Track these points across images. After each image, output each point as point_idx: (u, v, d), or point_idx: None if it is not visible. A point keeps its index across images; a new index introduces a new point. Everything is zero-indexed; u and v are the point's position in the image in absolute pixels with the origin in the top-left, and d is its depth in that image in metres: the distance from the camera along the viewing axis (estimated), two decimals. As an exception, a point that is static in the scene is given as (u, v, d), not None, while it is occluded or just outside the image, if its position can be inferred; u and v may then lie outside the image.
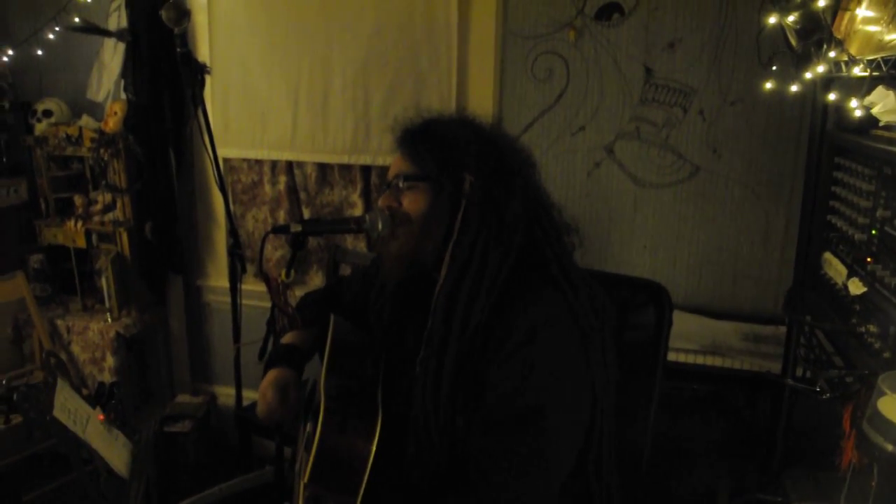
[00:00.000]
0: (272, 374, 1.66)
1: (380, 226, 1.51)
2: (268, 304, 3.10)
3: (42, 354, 3.12)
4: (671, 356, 2.12)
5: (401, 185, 1.48)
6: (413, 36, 2.80)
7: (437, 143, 1.46)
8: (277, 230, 1.71)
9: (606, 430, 1.39)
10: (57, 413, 1.51)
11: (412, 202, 1.46)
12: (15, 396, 1.87)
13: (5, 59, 3.26)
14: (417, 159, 1.47)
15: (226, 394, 3.46)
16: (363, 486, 1.35)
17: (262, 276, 1.68)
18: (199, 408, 3.23)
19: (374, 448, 1.37)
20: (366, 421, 1.42)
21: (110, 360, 3.17)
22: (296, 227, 1.63)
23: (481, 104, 2.75)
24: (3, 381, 1.98)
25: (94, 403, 1.73)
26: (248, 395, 2.91)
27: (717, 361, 2.35)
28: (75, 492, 3.08)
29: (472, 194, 1.39)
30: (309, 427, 1.60)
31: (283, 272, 1.75)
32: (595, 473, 1.39)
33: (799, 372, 2.10)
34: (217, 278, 3.38)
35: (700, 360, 2.35)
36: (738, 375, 2.30)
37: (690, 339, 2.40)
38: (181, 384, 3.52)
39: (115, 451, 1.66)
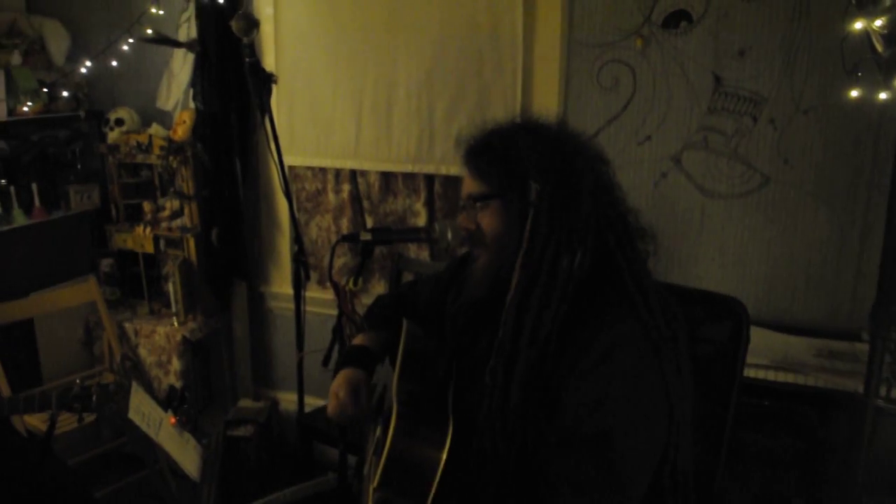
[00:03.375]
0: (344, 374, 1.67)
1: (449, 236, 1.51)
2: (330, 312, 3.15)
3: (116, 357, 3.20)
4: (740, 371, 2.07)
5: (474, 205, 1.48)
6: (477, 45, 2.79)
7: (499, 156, 1.44)
8: (347, 238, 1.72)
9: (683, 445, 1.35)
10: (132, 415, 1.54)
11: (487, 222, 1.46)
12: (94, 398, 1.92)
13: (83, 70, 3.37)
14: (483, 176, 1.46)
15: (287, 399, 3.50)
16: (432, 493, 1.35)
17: (332, 283, 1.69)
18: (260, 413, 3.27)
19: (444, 456, 1.37)
20: (437, 428, 1.42)
21: (176, 364, 3.23)
22: (365, 236, 1.64)
23: (546, 114, 2.71)
24: (77, 381, 2.03)
25: (166, 407, 1.77)
26: (310, 402, 2.93)
27: (788, 377, 2.28)
28: (143, 491, 3.17)
29: (540, 201, 1.37)
30: (378, 432, 1.60)
31: (351, 280, 1.76)
32: (671, 490, 1.36)
33: (882, 391, 2.02)
34: (280, 285, 3.43)
35: (771, 375, 2.29)
36: (811, 392, 2.23)
37: (760, 353, 2.33)
38: (243, 389, 3.57)
39: (186, 454, 1.69)
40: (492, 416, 1.38)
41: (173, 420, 1.72)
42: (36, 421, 2.85)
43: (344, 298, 1.74)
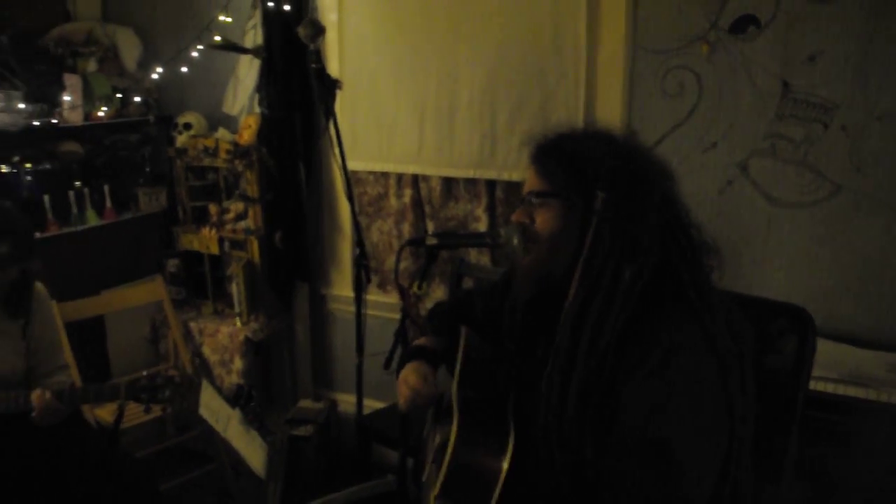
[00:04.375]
0: (411, 365, 1.68)
1: (514, 240, 1.51)
2: (389, 315, 3.19)
3: (181, 355, 3.28)
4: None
5: (533, 201, 1.48)
6: (540, 51, 2.79)
7: (568, 158, 1.44)
8: (413, 242, 1.73)
9: (744, 461, 1.33)
10: (202, 411, 1.59)
11: (544, 220, 1.46)
12: (167, 392, 1.99)
13: (154, 76, 3.47)
14: (549, 175, 1.46)
15: (345, 401, 3.54)
16: (493, 502, 1.35)
17: (398, 287, 1.71)
18: (320, 413, 3.32)
19: (506, 465, 1.36)
20: (498, 437, 1.42)
21: (238, 363, 3.30)
22: (431, 240, 1.65)
23: (609, 120, 2.70)
24: (145, 373, 2.09)
25: (233, 405, 1.81)
26: (369, 404, 2.96)
27: (859, 392, 2.21)
28: (206, 486, 3.24)
29: (604, 211, 1.36)
30: (438, 439, 1.61)
31: (416, 284, 1.77)
32: (731, 504, 1.33)
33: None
34: (341, 287, 3.47)
35: (840, 389, 2.23)
36: (886, 409, 2.16)
37: (828, 367, 2.27)
38: (303, 389, 3.63)
39: (252, 451, 1.73)
40: (548, 425, 1.38)
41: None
42: (105, 413, 2.94)
43: (409, 302, 1.75)
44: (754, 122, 2.61)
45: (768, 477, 1.57)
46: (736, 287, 1.54)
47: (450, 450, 1.40)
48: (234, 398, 1.82)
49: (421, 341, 1.80)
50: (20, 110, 3.06)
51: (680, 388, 1.26)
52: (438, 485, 1.39)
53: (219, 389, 1.71)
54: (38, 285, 2.41)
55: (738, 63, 2.59)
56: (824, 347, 2.41)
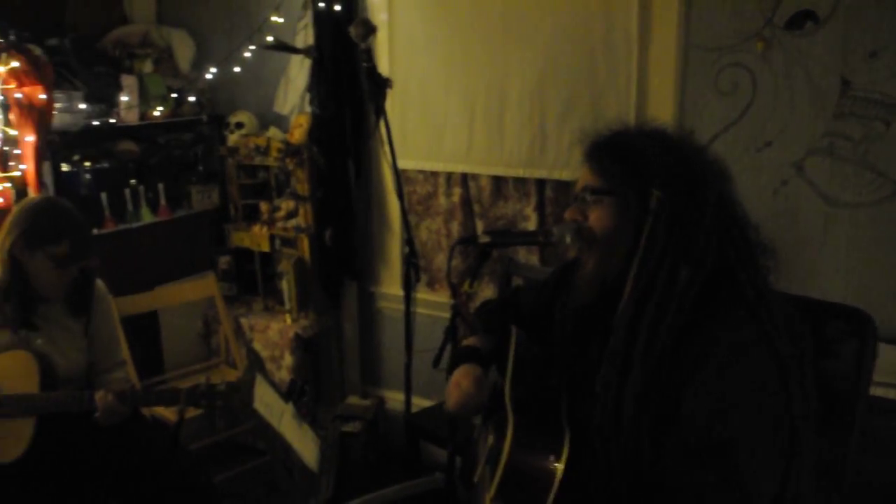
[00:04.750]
0: (464, 368, 1.68)
1: (567, 239, 1.50)
2: (438, 314, 3.19)
3: (233, 350, 3.34)
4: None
5: (587, 198, 1.47)
6: (591, 49, 2.77)
7: (624, 156, 1.43)
8: (465, 241, 1.73)
9: (806, 465, 1.30)
10: (256, 405, 1.61)
11: (598, 218, 1.44)
12: (226, 387, 2.04)
13: (208, 76, 3.53)
14: (603, 173, 1.45)
15: (393, 398, 3.57)
16: (550, 504, 1.34)
17: (450, 285, 1.71)
18: (368, 410, 3.34)
19: (562, 468, 1.36)
20: (553, 439, 1.41)
21: (288, 359, 3.34)
22: (484, 238, 1.65)
23: (661, 119, 2.65)
24: (204, 378, 2.14)
25: (286, 399, 1.84)
26: (417, 402, 2.97)
27: (923, 398, 2.16)
28: (256, 479, 3.29)
29: (659, 210, 1.34)
30: (491, 440, 1.61)
31: (467, 283, 1.77)
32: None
33: None
34: (390, 285, 3.49)
35: (902, 395, 2.18)
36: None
37: (890, 371, 2.22)
38: (351, 386, 3.66)
39: (305, 445, 1.75)
40: (604, 427, 1.37)
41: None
42: (159, 407, 3.00)
43: (461, 300, 1.75)
44: (811, 120, 2.55)
45: (827, 486, 1.53)
46: (791, 290, 1.51)
47: (505, 452, 1.40)
48: (287, 393, 1.84)
49: (471, 341, 1.80)
50: (80, 110, 3.14)
51: (741, 391, 1.25)
52: (494, 487, 1.39)
53: (273, 384, 1.73)
54: (99, 282, 2.46)
55: (795, 60, 2.53)
56: (885, 351, 2.36)
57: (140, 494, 2.34)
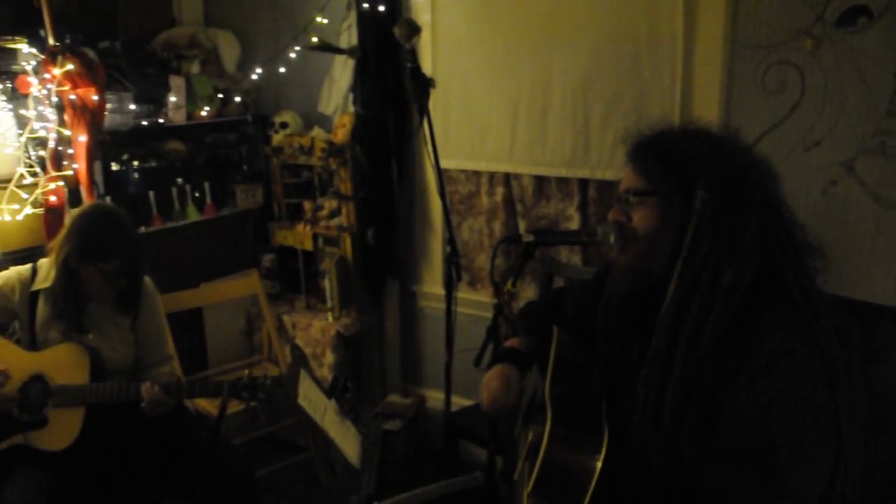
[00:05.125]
0: (497, 368, 1.71)
1: (611, 239, 1.50)
2: (479, 313, 3.19)
3: (275, 347, 3.38)
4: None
5: (631, 199, 1.47)
6: (635, 49, 2.75)
7: (668, 156, 1.43)
8: (509, 240, 1.75)
9: (853, 471, 1.28)
10: (301, 401, 1.64)
11: (641, 218, 1.44)
12: (268, 381, 2.07)
13: (254, 76, 3.58)
14: (647, 173, 1.45)
15: (433, 397, 3.58)
16: (586, 502, 1.35)
17: (493, 284, 1.72)
18: (408, 408, 3.36)
19: (599, 465, 1.36)
20: (592, 436, 1.42)
21: (329, 357, 3.37)
22: (527, 238, 1.66)
23: (706, 118, 2.62)
24: (246, 371, 2.18)
25: (329, 395, 1.86)
26: (457, 401, 2.98)
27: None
28: (297, 475, 3.33)
29: (704, 210, 1.34)
30: (531, 436, 1.62)
31: (510, 282, 1.78)
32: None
33: None
34: (431, 285, 3.51)
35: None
36: None
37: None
38: (392, 384, 3.68)
39: (348, 441, 1.77)
40: (645, 426, 1.37)
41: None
42: (203, 402, 3.05)
43: (504, 299, 1.77)
44: (862, 119, 2.51)
45: (876, 493, 1.51)
46: (840, 293, 1.48)
47: (543, 447, 1.41)
48: (330, 389, 1.87)
49: (512, 342, 1.81)
50: (130, 111, 3.21)
51: (786, 395, 1.23)
52: (532, 482, 1.40)
53: (316, 380, 1.75)
54: (147, 280, 2.52)
55: (846, 57, 2.48)
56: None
57: (183, 485, 2.39)
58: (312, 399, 1.73)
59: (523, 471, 1.57)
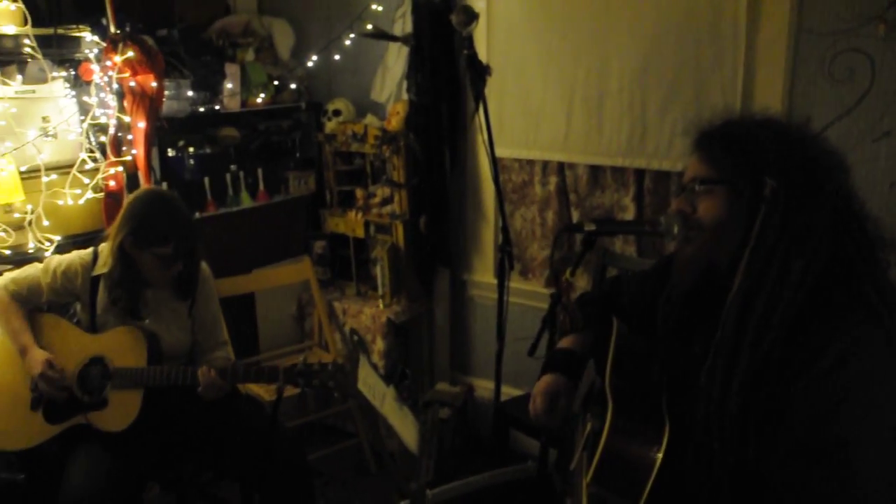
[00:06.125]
0: (546, 381, 1.71)
1: (675, 229, 1.48)
2: (530, 303, 3.17)
3: (325, 333, 3.41)
4: None
5: (696, 188, 1.45)
6: (696, 36, 2.69)
7: (736, 145, 1.40)
8: (572, 228, 1.73)
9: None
10: (360, 386, 1.64)
11: (707, 208, 1.42)
12: (329, 367, 2.09)
13: (309, 64, 3.60)
14: (714, 162, 1.42)
15: (482, 386, 3.58)
16: (646, 493, 1.33)
17: (553, 273, 1.70)
18: (457, 397, 3.37)
19: (660, 457, 1.35)
20: (652, 428, 1.41)
21: (380, 344, 3.38)
22: (589, 226, 1.64)
23: (769, 107, 2.57)
24: (302, 358, 2.20)
25: (388, 382, 1.87)
26: (506, 391, 2.97)
27: None
28: (345, 461, 3.36)
29: (774, 200, 1.31)
30: (588, 426, 1.60)
31: (569, 271, 1.77)
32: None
33: None
34: (482, 273, 3.50)
35: None
36: None
37: None
38: (440, 373, 3.68)
39: (406, 427, 1.77)
40: (708, 419, 1.36)
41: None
42: (255, 386, 3.09)
43: (563, 288, 1.75)
44: (936, 109, 2.43)
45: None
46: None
47: (604, 437, 1.40)
48: (389, 376, 1.88)
49: (566, 343, 1.80)
50: (188, 98, 3.25)
51: (858, 390, 1.21)
52: (591, 471, 1.39)
53: (375, 367, 1.76)
54: (203, 265, 2.55)
55: (922, 43, 2.40)
56: None
57: (238, 468, 2.43)
58: (372, 385, 1.74)
59: (581, 460, 1.56)
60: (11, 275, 2.41)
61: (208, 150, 3.47)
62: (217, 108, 3.43)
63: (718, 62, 2.67)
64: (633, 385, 1.53)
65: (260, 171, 3.61)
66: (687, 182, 1.48)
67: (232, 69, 3.49)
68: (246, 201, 3.56)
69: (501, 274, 2.70)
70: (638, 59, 2.83)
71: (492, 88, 3.11)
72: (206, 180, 3.40)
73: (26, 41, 2.69)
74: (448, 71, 3.27)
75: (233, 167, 3.53)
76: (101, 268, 2.39)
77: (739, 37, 2.62)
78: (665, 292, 1.62)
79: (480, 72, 2.61)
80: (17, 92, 2.71)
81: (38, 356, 2.28)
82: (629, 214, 2.94)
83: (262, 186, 3.62)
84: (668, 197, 2.86)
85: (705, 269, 1.45)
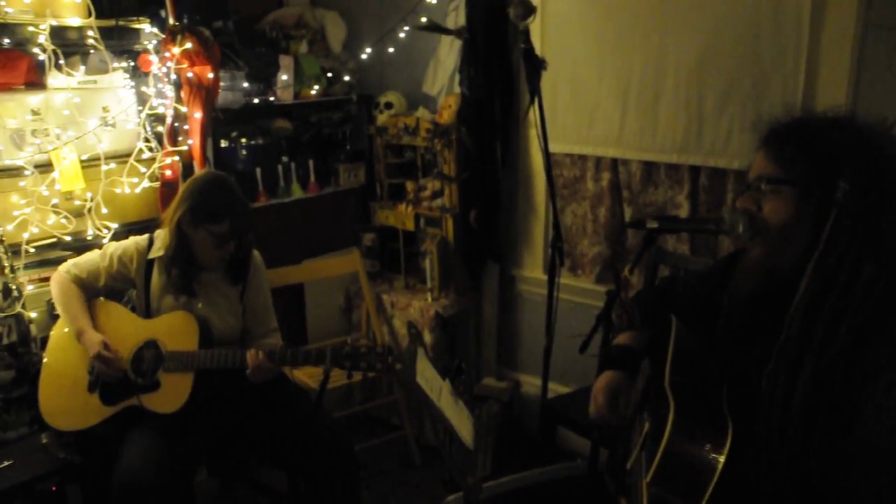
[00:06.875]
0: (606, 378, 1.69)
1: (740, 228, 1.45)
2: (579, 300, 3.15)
3: (373, 325, 3.42)
4: None
5: (762, 187, 1.41)
6: (756, 30, 2.63)
7: (808, 144, 1.37)
8: (634, 225, 1.71)
9: None
10: (418, 379, 1.64)
11: (774, 208, 1.39)
12: (378, 349, 2.14)
13: (363, 56, 3.61)
14: (784, 161, 1.39)
15: (528, 382, 3.56)
16: (707, 496, 1.31)
17: (614, 269, 1.69)
18: (503, 392, 3.36)
19: (723, 460, 1.33)
20: (715, 430, 1.39)
21: (427, 337, 3.38)
22: (652, 223, 1.62)
23: (832, 104, 2.50)
24: (349, 340, 2.22)
25: (444, 376, 1.87)
26: (553, 388, 2.96)
27: None
28: (390, 452, 3.37)
29: (846, 203, 1.28)
30: (647, 425, 1.59)
31: (626, 268, 1.75)
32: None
33: None
34: (532, 269, 3.48)
35: None
36: None
37: None
38: (487, 368, 3.67)
39: (462, 422, 1.77)
40: (770, 423, 1.33)
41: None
42: (303, 376, 3.12)
43: (621, 286, 1.73)
44: None
45: None
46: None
47: (665, 437, 1.39)
48: (445, 369, 1.88)
49: (622, 340, 1.78)
50: (243, 89, 3.28)
51: None
52: (652, 471, 1.38)
53: (432, 360, 1.76)
54: (256, 253, 2.60)
55: None
56: None
57: (285, 455, 2.45)
58: (429, 378, 1.74)
59: (640, 459, 1.54)
60: (72, 260, 2.49)
61: (260, 141, 3.51)
62: (271, 99, 3.46)
63: (779, 57, 2.61)
64: (692, 385, 1.52)
65: (311, 163, 3.64)
66: (752, 180, 1.45)
67: (286, 61, 3.51)
68: (297, 192, 3.59)
69: (552, 270, 2.68)
70: (695, 54, 2.78)
71: (545, 83, 3.07)
72: (258, 171, 3.43)
73: (90, 33, 2.75)
74: (501, 65, 3.25)
75: (284, 158, 3.56)
76: (157, 251, 2.46)
77: (802, 31, 2.55)
78: (727, 293, 1.59)
79: (536, 66, 2.59)
80: (79, 82, 2.77)
81: (95, 338, 2.34)
82: (683, 212, 2.90)
83: (312, 178, 3.65)
84: (723, 195, 2.81)
85: (771, 273, 1.43)
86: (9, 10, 2.57)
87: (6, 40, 2.60)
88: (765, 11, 2.60)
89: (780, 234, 1.38)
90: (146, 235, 2.53)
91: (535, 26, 3.17)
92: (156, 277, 2.46)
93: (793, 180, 1.37)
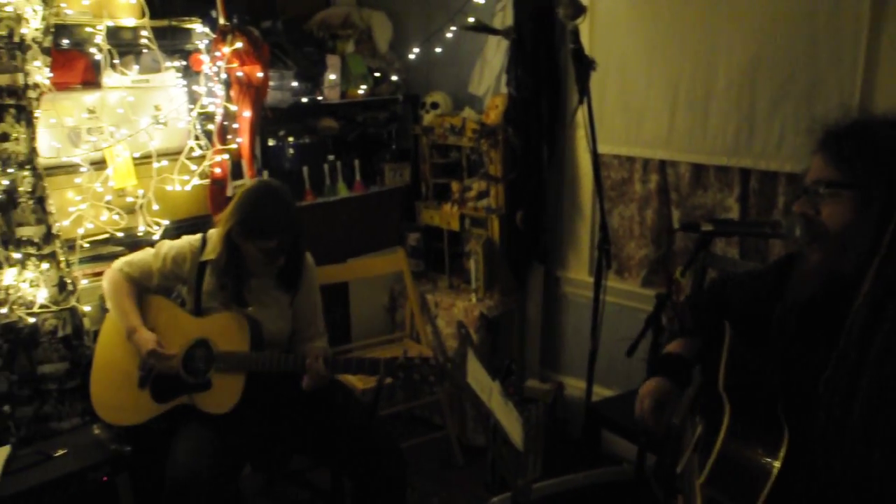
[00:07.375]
0: (653, 384, 1.68)
1: (797, 232, 1.43)
2: (625, 302, 3.11)
3: (417, 325, 3.43)
4: None
5: (821, 191, 1.38)
6: (811, 30, 2.58)
7: (869, 147, 1.34)
8: (688, 228, 1.69)
9: None
10: (469, 380, 1.65)
11: (833, 212, 1.36)
12: (431, 362, 2.15)
13: (411, 56, 3.62)
14: (843, 165, 1.36)
15: (572, 385, 3.54)
16: (762, 501, 1.30)
17: (666, 272, 1.67)
18: (547, 394, 3.35)
19: (778, 465, 1.31)
20: (770, 435, 1.37)
21: (472, 337, 3.37)
22: (706, 226, 1.60)
23: (892, 107, 2.44)
24: (403, 351, 2.23)
25: (494, 377, 1.88)
26: (597, 391, 2.93)
27: None
28: (431, 452, 3.38)
29: None
30: (699, 429, 1.57)
31: (679, 271, 1.73)
32: None
33: None
34: (577, 271, 3.46)
35: None
36: None
37: None
38: (531, 370, 3.66)
39: (511, 423, 1.78)
40: (828, 432, 1.31)
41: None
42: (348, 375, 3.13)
43: (674, 289, 1.72)
44: None
45: None
46: None
47: (720, 440, 1.38)
48: (496, 370, 1.89)
49: (673, 347, 1.76)
50: (291, 88, 3.32)
51: None
52: (706, 473, 1.37)
53: (482, 361, 1.77)
54: (308, 256, 2.60)
55: None
56: None
57: (335, 455, 2.46)
58: (480, 379, 1.75)
59: (692, 462, 1.53)
60: (126, 258, 2.51)
61: (307, 140, 3.54)
62: (318, 98, 3.49)
63: (836, 59, 2.55)
64: (747, 390, 1.50)
65: (357, 162, 3.66)
66: (809, 184, 1.43)
67: (333, 60, 3.54)
68: (342, 191, 3.62)
69: (598, 272, 2.66)
70: (747, 55, 2.73)
71: (593, 84, 3.03)
72: (305, 170, 3.46)
73: (143, 33, 2.80)
74: (548, 65, 3.24)
75: (330, 157, 3.59)
76: (210, 253, 2.46)
77: (861, 31, 2.49)
78: (783, 298, 1.56)
79: (586, 66, 2.56)
80: (133, 81, 2.82)
81: (148, 336, 2.37)
82: (733, 215, 2.85)
83: (358, 177, 3.67)
84: (774, 198, 2.76)
85: (830, 279, 1.41)
86: (69, 11, 2.63)
87: (65, 41, 2.66)
88: (822, 11, 2.55)
89: (839, 238, 1.36)
90: (199, 235, 2.53)
91: (583, 26, 3.13)
92: (208, 278, 2.47)
93: (853, 184, 1.34)
